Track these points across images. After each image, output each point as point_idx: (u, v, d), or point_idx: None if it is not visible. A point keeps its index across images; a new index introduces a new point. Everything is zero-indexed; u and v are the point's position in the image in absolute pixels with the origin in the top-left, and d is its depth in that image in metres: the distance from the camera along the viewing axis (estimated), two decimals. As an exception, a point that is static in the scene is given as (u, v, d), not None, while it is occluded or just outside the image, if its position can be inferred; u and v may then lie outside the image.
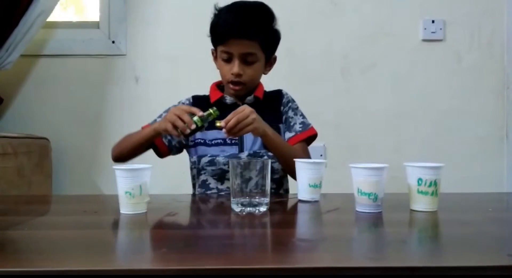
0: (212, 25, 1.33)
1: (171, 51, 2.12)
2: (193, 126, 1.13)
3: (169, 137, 1.36)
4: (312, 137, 1.39)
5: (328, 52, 2.13)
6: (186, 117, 1.15)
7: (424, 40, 2.15)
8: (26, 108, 2.11)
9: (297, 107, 1.43)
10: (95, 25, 2.16)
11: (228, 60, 1.30)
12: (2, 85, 2.08)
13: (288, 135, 1.37)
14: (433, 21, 2.14)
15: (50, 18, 2.03)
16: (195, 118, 1.14)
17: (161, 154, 1.39)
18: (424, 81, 2.15)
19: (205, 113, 1.16)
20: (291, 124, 1.38)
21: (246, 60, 1.29)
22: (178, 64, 2.10)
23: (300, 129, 1.37)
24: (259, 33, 1.28)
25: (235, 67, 1.28)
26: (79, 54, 2.12)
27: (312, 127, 1.39)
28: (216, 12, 1.34)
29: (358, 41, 2.14)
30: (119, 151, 1.36)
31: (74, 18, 2.34)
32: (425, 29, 2.14)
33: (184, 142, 1.38)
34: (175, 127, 1.15)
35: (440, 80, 2.16)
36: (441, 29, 2.14)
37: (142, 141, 1.29)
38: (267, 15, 1.32)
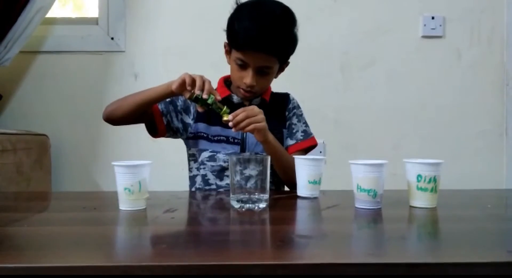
0: (231, 26, 1.26)
1: (170, 47, 2.12)
2: (205, 96, 1.13)
3: (168, 118, 1.33)
4: (312, 146, 1.39)
5: (328, 48, 2.13)
6: (208, 85, 1.14)
7: (424, 37, 2.14)
8: (25, 105, 2.11)
9: (302, 114, 1.43)
10: (94, 21, 2.15)
11: (242, 67, 1.26)
12: (1, 81, 2.07)
13: (289, 142, 1.37)
14: (433, 18, 2.13)
15: (49, 15, 2.03)
16: (211, 96, 1.14)
17: (156, 132, 1.34)
18: (424, 78, 2.15)
19: (220, 104, 1.16)
20: (293, 131, 1.38)
21: (261, 71, 1.26)
22: (177, 61, 2.10)
23: (302, 137, 1.37)
24: (280, 48, 1.23)
25: (249, 78, 1.25)
26: (78, 51, 2.12)
27: (313, 137, 1.39)
28: (237, 7, 1.27)
29: (358, 38, 2.14)
30: (118, 106, 1.27)
31: (73, 15, 2.33)
32: (425, 25, 2.13)
33: (178, 123, 1.34)
34: (193, 82, 1.13)
35: (439, 76, 2.16)
36: (441, 25, 2.14)
37: (151, 96, 1.22)
38: (290, 25, 1.25)
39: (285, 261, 0.63)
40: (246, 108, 1.16)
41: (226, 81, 1.40)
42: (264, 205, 0.95)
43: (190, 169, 1.39)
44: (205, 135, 1.33)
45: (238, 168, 0.95)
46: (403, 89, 2.15)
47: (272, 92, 1.41)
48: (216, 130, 1.33)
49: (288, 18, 1.25)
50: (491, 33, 2.15)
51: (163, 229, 0.82)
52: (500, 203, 1.19)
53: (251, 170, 0.95)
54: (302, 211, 1.03)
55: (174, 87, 1.15)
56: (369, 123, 2.14)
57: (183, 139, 1.40)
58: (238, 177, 0.95)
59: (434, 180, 0.95)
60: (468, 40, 2.15)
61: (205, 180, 1.33)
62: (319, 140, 1.41)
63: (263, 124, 1.17)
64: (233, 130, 1.16)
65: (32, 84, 2.12)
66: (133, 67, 2.12)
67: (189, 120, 1.36)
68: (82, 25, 2.15)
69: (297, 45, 1.30)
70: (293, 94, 1.46)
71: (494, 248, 0.70)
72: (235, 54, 1.26)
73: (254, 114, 1.15)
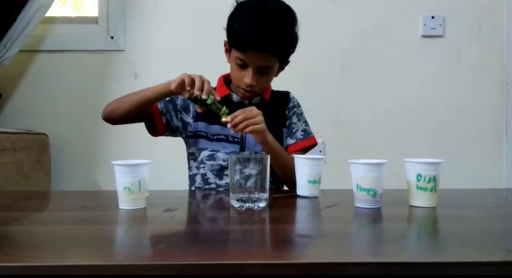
0: (231, 26, 1.24)
1: (170, 47, 2.12)
2: (204, 96, 1.13)
3: (168, 117, 1.33)
4: (312, 146, 1.39)
5: (328, 48, 2.13)
6: (207, 85, 1.14)
7: (424, 36, 2.14)
8: (24, 104, 2.11)
9: (302, 113, 1.42)
10: (93, 20, 2.15)
11: (242, 66, 1.25)
12: (0, 80, 2.07)
13: (289, 141, 1.37)
14: (432, 17, 2.13)
15: (49, 13, 2.02)
16: (211, 96, 1.14)
17: (155, 131, 1.34)
18: (424, 77, 2.15)
19: (219, 104, 1.16)
20: (293, 130, 1.38)
21: (261, 70, 1.25)
22: (177, 60, 2.09)
23: (301, 137, 1.37)
24: (281, 48, 1.23)
25: (249, 78, 1.24)
26: (78, 50, 2.11)
27: (313, 136, 1.39)
28: (237, 5, 1.25)
29: (358, 37, 2.14)
30: (117, 105, 1.26)
31: (73, 14, 2.33)
32: (424, 25, 2.13)
33: (178, 122, 1.34)
34: (192, 82, 1.13)
35: (439, 76, 2.16)
36: (440, 25, 2.14)
37: (150, 95, 1.21)
38: (291, 24, 1.24)
39: (285, 261, 0.63)
40: (245, 109, 1.16)
41: (226, 80, 1.40)
42: (263, 205, 0.95)
43: (189, 168, 1.39)
44: (204, 134, 1.33)
45: (237, 167, 0.95)
46: (403, 89, 2.15)
47: (273, 90, 1.41)
48: (215, 129, 1.33)
49: (289, 17, 1.24)
50: (491, 33, 2.15)
51: (163, 228, 0.82)
52: (500, 203, 1.19)
53: (251, 169, 0.95)
54: (302, 211, 1.03)
55: (173, 87, 1.15)
56: (369, 122, 2.14)
57: (182, 138, 1.39)
58: (237, 176, 0.95)
59: (433, 179, 0.95)
60: (468, 40, 2.15)
61: (205, 179, 1.33)
62: (319, 140, 1.41)
63: (262, 125, 1.17)
64: (232, 131, 1.16)
65: (32, 83, 2.11)
66: (133, 66, 2.12)
67: (188, 119, 1.36)
68: (81, 24, 2.15)
69: (298, 44, 1.30)
70: (293, 93, 1.46)
71: (494, 248, 0.69)
72: (235, 53, 1.25)
73: (252, 115, 1.15)
